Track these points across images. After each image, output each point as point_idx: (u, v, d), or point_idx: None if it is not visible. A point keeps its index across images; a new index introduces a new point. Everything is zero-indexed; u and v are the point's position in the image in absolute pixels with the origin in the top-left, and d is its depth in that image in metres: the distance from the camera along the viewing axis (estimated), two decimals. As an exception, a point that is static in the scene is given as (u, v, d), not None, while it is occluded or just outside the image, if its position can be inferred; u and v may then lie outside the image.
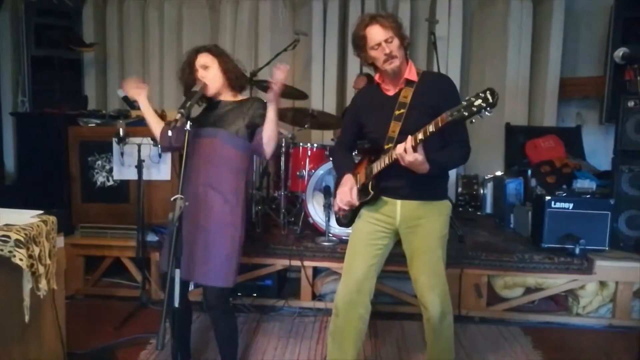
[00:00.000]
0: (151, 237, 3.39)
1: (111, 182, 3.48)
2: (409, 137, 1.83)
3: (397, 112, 2.04)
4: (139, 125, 3.40)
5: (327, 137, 4.85)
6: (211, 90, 2.20)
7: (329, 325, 2.22)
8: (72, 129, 3.51)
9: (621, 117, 3.31)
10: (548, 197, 3.21)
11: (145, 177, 3.23)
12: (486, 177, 4.55)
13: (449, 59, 4.74)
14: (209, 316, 2.30)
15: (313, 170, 3.46)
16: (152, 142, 3.22)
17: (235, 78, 2.23)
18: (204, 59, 2.19)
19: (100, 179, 3.49)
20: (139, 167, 3.19)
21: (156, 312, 3.22)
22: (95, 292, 3.48)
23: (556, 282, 3.16)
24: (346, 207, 2.13)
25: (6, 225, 1.85)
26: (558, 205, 3.20)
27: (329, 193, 3.34)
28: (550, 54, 4.68)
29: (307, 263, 3.24)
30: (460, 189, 4.78)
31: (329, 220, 3.33)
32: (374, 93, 2.18)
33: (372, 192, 2.08)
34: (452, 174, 4.87)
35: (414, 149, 1.81)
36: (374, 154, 2.13)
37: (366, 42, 2.01)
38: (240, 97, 2.29)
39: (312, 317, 3.18)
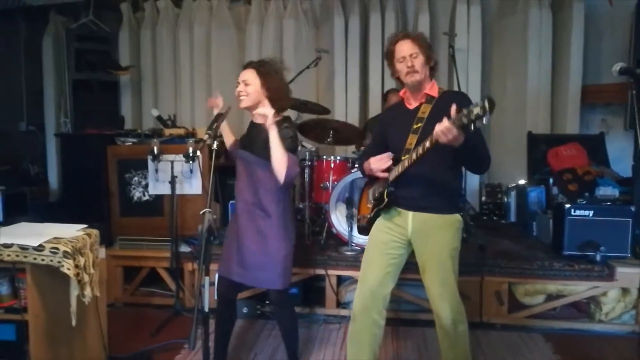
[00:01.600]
0: (184, 248, 3.58)
1: (147, 197, 3.71)
2: (445, 118, 1.80)
3: (415, 126, 2.18)
4: (172, 143, 3.65)
5: (350, 149, 5.00)
6: (244, 104, 2.30)
7: (349, 330, 2.34)
8: (111, 148, 3.76)
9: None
10: (568, 205, 3.25)
11: (178, 191, 3.44)
12: (509, 186, 4.59)
13: (469, 71, 4.82)
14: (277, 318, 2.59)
15: (336, 182, 3.60)
16: (184, 158, 3.43)
17: (276, 98, 2.31)
18: (247, 75, 2.29)
19: (136, 194, 3.73)
20: (172, 182, 3.41)
21: (189, 319, 3.39)
22: (133, 300, 3.70)
23: (577, 289, 3.20)
24: (381, 169, 2.18)
25: (55, 238, 2.07)
26: (578, 212, 3.24)
27: (351, 204, 3.47)
28: (572, 62, 4.69)
29: (330, 272, 3.37)
30: (484, 198, 4.83)
31: (351, 230, 3.46)
32: (398, 107, 2.36)
33: (386, 199, 2.19)
34: (476, 183, 4.94)
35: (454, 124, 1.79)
36: (393, 165, 2.22)
37: (394, 55, 2.19)
38: (277, 118, 2.28)
39: (337, 325, 3.30)
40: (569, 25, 4.68)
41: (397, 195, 2.19)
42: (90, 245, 2.16)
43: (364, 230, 2.41)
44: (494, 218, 4.78)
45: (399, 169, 2.13)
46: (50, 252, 1.98)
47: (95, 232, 2.23)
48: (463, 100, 2.07)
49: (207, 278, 1.91)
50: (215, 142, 2.07)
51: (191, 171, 3.50)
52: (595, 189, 3.80)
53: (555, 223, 3.48)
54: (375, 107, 4.98)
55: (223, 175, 3.97)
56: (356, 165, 3.90)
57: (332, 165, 3.93)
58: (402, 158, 2.14)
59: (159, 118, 4.21)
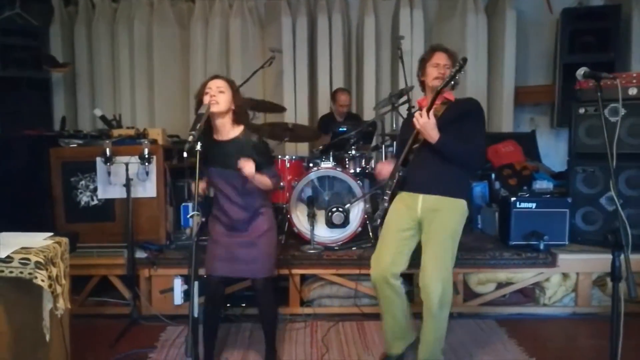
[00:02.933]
0: (140, 254, 3.44)
1: (95, 202, 3.52)
2: (424, 109, 2.31)
3: None
4: (122, 144, 3.49)
5: (302, 149, 5.04)
6: (218, 108, 2.38)
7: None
8: (54, 150, 3.52)
9: (574, 123, 3.65)
10: (513, 198, 3.50)
11: (132, 194, 3.30)
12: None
13: (414, 73, 4.97)
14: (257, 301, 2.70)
15: (296, 182, 3.61)
16: (139, 160, 3.30)
17: (240, 112, 2.50)
18: (221, 83, 2.44)
19: (84, 198, 3.52)
20: (128, 185, 3.26)
21: (148, 327, 3.28)
22: (83, 311, 3.47)
23: (524, 276, 3.44)
24: (381, 175, 2.73)
25: (23, 248, 1.92)
26: (522, 205, 3.50)
27: (312, 203, 3.51)
28: (505, 64, 5.04)
29: (294, 271, 3.39)
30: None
31: (313, 228, 3.50)
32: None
33: (397, 175, 2.53)
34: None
35: (427, 116, 2.28)
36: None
37: (429, 60, 2.53)
38: (236, 131, 2.49)
39: (303, 323, 3.32)
40: (503, 30, 5.02)
41: (409, 180, 2.51)
42: (61, 255, 2.03)
43: (379, 217, 2.75)
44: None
45: (404, 152, 2.48)
46: (20, 263, 1.84)
47: (64, 240, 2.09)
48: (472, 104, 2.52)
49: (197, 283, 1.86)
50: (199, 142, 2.02)
51: (147, 173, 3.37)
52: (532, 183, 4.11)
53: (501, 215, 3.73)
54: (324, 106, 5.06)
55: (175, 177, 3.84)
56: (311, 165, 3.96)
57: (288, 165, 3.95)
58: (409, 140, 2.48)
59: (103, 118, 4.00)
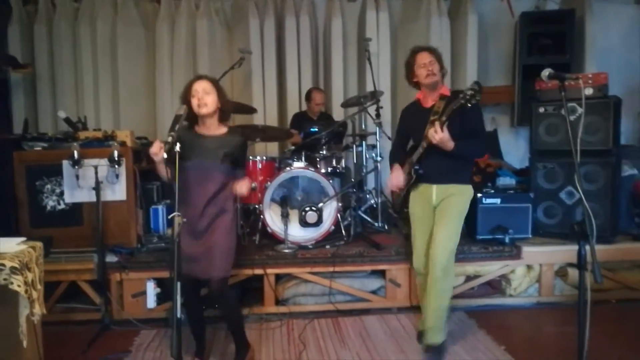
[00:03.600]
0: (110, 258, 3.38)
1: (62, 206, 3.43)
2: (436, 122, 2.55)
3: (431, 118, 2.68)
4: (91, 147, 3.41)
5: (272, 149, 5.05)
6: (206, 110, 2.47)
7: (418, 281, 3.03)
8: (18, 153, 3.40)
9: (534, 122, 3.82)
10: (479, 195, 3.63)
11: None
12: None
13: (380, 74, 5.10)
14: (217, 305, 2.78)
15: (269, 182, 3.63)
16: (108, 162, 3.24)
17: (225, 109, 2.59)
18: (205, 85, 2.47)
19: (50, 203, 3.43)
20: (97, 188, 3.20)
21: (120, 332, 3.23)
22: (51, 318, 3.33)
23: (491, 269, 3.58)
24: (396, 189, 2.98)
25: (-4, 253, 1.87)
26: (488, 201, 3.64)
27: (285, 203, 3.54)
28: (468, 66, 5.19)
29: (269, 270, 3.40)
30: (397, 192, 5.15)
31: (287, 228, 3.53)
32: (415, 107, 2.94)
33: (413, 176, 2.84)
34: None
35: (441, 129, 2.53)
36: (413, 152, 2.86)
37: (415, 63, 2.77)
38: (223, 129, 2.61)
39: (278, 322, 3.34)
40: (465, 33, 5.17)
41: (424, 174, 2.81)
42: (36, 259, 1.98)
43: (398, 206, 3.13)
44: (405, 210, 5.10)
45: (418, 152, 2.77)
46: (-6, 268, 1.80)
47: (39, 244, 2.05)
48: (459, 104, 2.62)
49: (179, 283, 1.86)
50: (178, 144, 2.02)
51: (117, 176, 3.32)
52: (496, 180, 4.26)
53: (468, 211, 3.84)
54: (293, 106, 5.09)
55: (144, 180, 3.79)
56: (282, 165, 3.99)
57: (260, 165, 3.96)
58: (421, 144, 2.76)
59: (68, 120, 3.88)
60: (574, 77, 2.22)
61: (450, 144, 2.60)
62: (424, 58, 2.74)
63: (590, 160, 3.53)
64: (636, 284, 3.56)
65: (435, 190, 2.81)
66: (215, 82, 2.54)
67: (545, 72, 2.05)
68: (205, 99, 2.44)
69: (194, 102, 2.45)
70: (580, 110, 3.46)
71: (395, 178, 2.91)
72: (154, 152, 2.25)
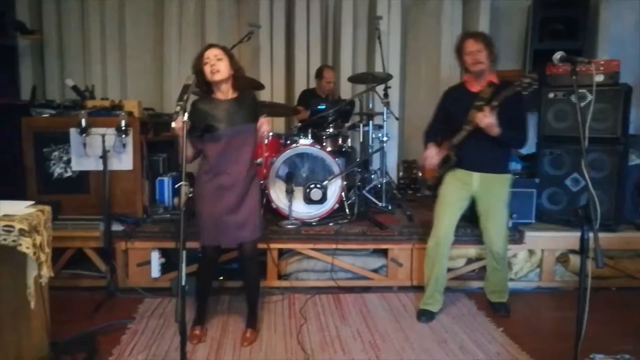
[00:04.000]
0: (116, 227, 3.41)
1: (69, 173, 3.46)
2: (485, 106, 2.67)
3: (477, 103, 2.79)
4: (99, 116, 3.41)
5: (277, 125, 5.04)
6: (219, 76, 2.48)
7: (425, 262, 3.11)
8: (26, 119, 3.42)
9: (543, 107, 3.80)
10: (485, 178, 3.62)
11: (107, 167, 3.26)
12: (424, 162, 4.95)
13: (390, 53, 5.07)
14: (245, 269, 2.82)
15: (275, 158, 3.64)
16: (116, 132, 3.25)
17: (238, 76, 2.60)
18: (217, 51, 2.48)
19: (57, 170, 3.45)
20: (104, 157, 3.22)
21: (125, 299, 3.28)
22: (57, 284, 3.38)
23: (493, 252, 3.59)
24: (432, 165, 3.02)
25: (5, 215, 1.89)
26: (493, 185, 3.63)
27: (291, 179, 3.55)
28: (478, 49, 5.13)
29: (272, 245, 3.43)
30: (401, 173, 5.16)
31: (291, 204, 3.54)
32: (460, 90, 3.01)
33: (455, 159, 2.92)
34: (394, 160, 5.25)
35: (490, 112, 2.64)
36: (454, 134, 2.91)
37: (463, 50, 2.84)
38: (236, 93, 2.63)
39: (280, 296, 3.38)
40: (477, 16, 5.09)
41: (463, 159, 2.90)
42: (44, 223, 2.01)
43: (433, 187, 3.15)
44: (409, 192, 5.14)
45: (462, 135, 2.84)
46: (4, 230, 1.82)
47: (47, 208, 2.07)
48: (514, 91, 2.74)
49: (184, 252, 1.88)
50: (186, 113, 2.02)
51: (124, 145, 3.33)
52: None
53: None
54: (300, 83, 5.07)
55: (150, 151, 3.80)
56: (288, 142, 3.99)
57: (266, 141, 3.96)
58: (464, 127, 2.83)
59: (75, 88, 3.88)
60: (586, 60, 2.20)
61: (496, 130, 2.69)
62: (470, 46, 2.81)
63: (598, 147, 3.52)
64: (637, 273, 3.58)
65: (476, 178, 2.91)
66: (226, 50, 2.56)
67: (557, 55, 2.04)
68: (218, 65, 2.45)
69: (207, 69, 2.46)
70: (590, 97, 3.43)
71: (430, 158, 2.98)
72: (178, 125, 2.23)
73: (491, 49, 2.84)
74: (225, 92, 2.58)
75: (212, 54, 2.47)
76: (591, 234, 1.93)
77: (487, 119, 2.66)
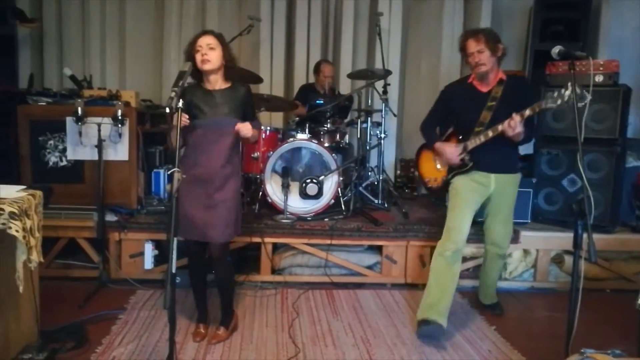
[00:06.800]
0: (110, 217, 3.39)
1: (64, 162, 3.44)
2: (515, 115, 2.57)
3: (489, 104, 2.77)
4: (95, 105, 3.40)
5: (276, 120, 5.03)
6: (210, 66, 2.40)
7: (433, 265, 2.87)
8: (22, 107, 3.40)
9: (542, 107, 3.77)
10: (481, 177, 3.61)
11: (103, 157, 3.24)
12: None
13: (390, 51, 5.05)
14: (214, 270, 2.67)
15: (272, 152, 3.62)
16: (112, 121, 3.23)
17: (230, 66, 2.53)
18: (211, 40, 2.41)
19: (52, 159, 3.43)
20: (99, 146, 3.20)
21: (117, 290, 3.27)
22: (49, 274, 3.39)
23: (488, 251, 3.58)
24: (457, 162, 2.87)
25: (-4, 199, 1.88)
26: (489, 184, 3.62)
27: (287, 174, 3.54)
28: (479, 49, 5.11)
29: (267, 239, 3.42)
30: (398, 172, 5.15)
31: (287, 198, 3.53)
32: (466, 89, 2.88)
33: (470, 164, 2.85)
34: (392, 158, 5.24)
35: (521, 122, 2.57)
36: (462, 135, 2.88)
37: (465, 50, 2.75)
38: (228, 84, 2.55)
39: (273, 290, 3.37)
40: (478, 16, 5.07)
41: (479, 161, 2.82)
42: (35, 207, 1.99)
43: (437, 191, 3.11)
44: (406, 190, 5.13)
45: (479, 139, 2.76)
46: (-6, 213, 1.80)
47: (38, 193, 2.05)
48: (527, 87, 2.83)
49: (175, 239, 1.87)
50: (181, 101, 2.00)
51: (120, 135, 3.31)
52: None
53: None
54: (300, 78, 5.05)
55: (147, 143, 3.77)
56: (286, 136, 3.97)
57: (263, 135, 3.94)
58: (476, 129, 2.78)
59: (73, 78, 3.85)
60: (585, 55, 2.19)
61: (521, 136, 2.67)
62: (471, 47, 2.71)
63: (596, 148, 3.51)
64: (632, 275, 3.57)
65: (494, 180, 2.85)
66: (220, 37, 2.46)
67: (556, 49, 2.04)
68: (209, 54, 2.38)
69: (198, 57, 2.38)
70: (588, 97, 3.41)
71: (450, 154, 2.87)
72: (183, 123, 2.23)
73: (495, 45, 2.71)
74: (214, 83, 2.50)
75: (205, 42, 2.39)
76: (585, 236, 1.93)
77: (518, 129, 2.58)
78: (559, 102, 2.41)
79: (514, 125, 2.58)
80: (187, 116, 2.29)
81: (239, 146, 2.60)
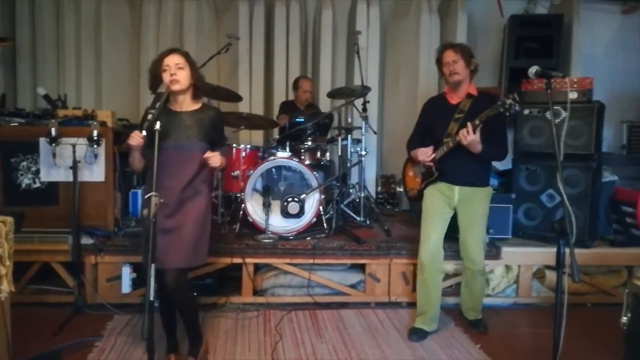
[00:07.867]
0: (85, 240, 3.29)
1: (38, 184, 3.34)
2: (468, 123, 2.66)
3: (456, 116, 2.88)
4: (70, 125, 3.31)
5: (256, 138, 4.99)
6: (179, 87, 2.33)
7: (418, 279, 3.03)
8: (-7, 128, 3.30)
9: (519, 124, 3.84)
10: (462, 193, 3.63)
11: (78, 178, 3.16)
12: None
13: (369, 68, 5.08)
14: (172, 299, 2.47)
15: (252, 170, 3.58)
16: (87, 142, 3.15)
17: (198, 85, 2.46)
18: (179, 59, 2.33)
19: (25, 181, 3.33)
20: (74, 168, 3.12)
21: (93, 316, 3.16)
22: (23, 299, 3.28)
23: (470, 268, 3.58)
24: (428, 160, 2.95)
25: (-36, 227, 1.80)
26: (470, 200, 3.64)
27: (268, 193, 3.50)
28: (455, 65, 5.19)
29: (248, 260, 3.36)
30: (379, 188, 5.15)
31: (268, 218, 3.49)
32: (440, 101, 3.05)
33: (436, 173, 2.95)
34: (373, 174, 5.24)
35: (474, 131, 2.64)
36: (436, 145, 2.94)
37: (441, 61, 2.89)
38: (197, 104, 2.49)
39: (255, 312, 3.30)
40: (454, 32, 5.15)
41: (445, 172, 2.92)
42: (5, 235, 1.91)
43: (415, 199, 3.20)
44: (387, 206, 5.13)
45: (443, 149, 2.87)
46: (-39, 243, 1.72)
47: (9, 219, 1.97)
48: (494, 102, 2.73)
49: (153, 265, 1.81)
50: (158, 122, 1.96)
51: (95, 156, 3.23)
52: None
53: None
54: (279, 95, 5.04)
55: (123, 162, 3.70)
56: (266, 155, 3.94)
57: (243, 154, 3.91)
58: (444, 140, 2.88)
59: (47, 97, 3.76)
60: (561, 75, 2.25)
61: (478, 147, 2.72)
62: (447, 57, 2.85)
63: (572, 164, 3.56)
64: (612, 289, 3.61)
65: (457, 192, 2.92)
66: (187, 56, 2.39)
67: (533, 70, 2.07)
68: (178, 74, 2.30)
69: (166, 77, 2.29)
70: (564, 113, 3.47)
71: (422, 153, 2.95)
72: (137, 142, 2.15)
73: (469, 59, 2.87)
74: (181, 103, 2.42)
75: (173, 61, 2.30)
76: (567, 250, 1.93)
77: (470, 137, 2.67)
78: (500, 110, 2.58)
79: (465, 134, 2.67)
80: (142, 134, 2.15)
81: (206, 170, 2.47)
